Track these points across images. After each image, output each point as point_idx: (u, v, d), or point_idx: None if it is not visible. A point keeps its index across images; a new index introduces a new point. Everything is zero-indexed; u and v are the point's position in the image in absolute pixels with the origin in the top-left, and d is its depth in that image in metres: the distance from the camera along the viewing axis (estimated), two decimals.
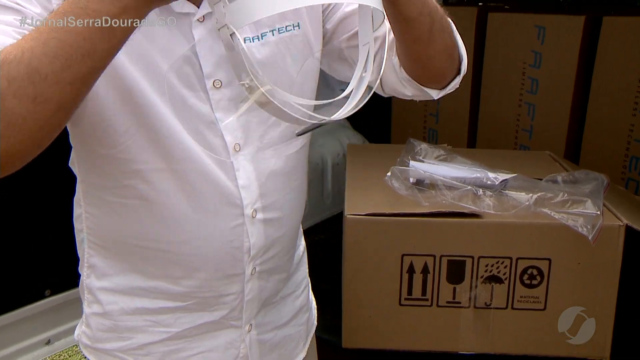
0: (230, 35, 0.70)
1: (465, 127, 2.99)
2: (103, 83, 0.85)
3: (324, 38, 1.08)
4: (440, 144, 2.28)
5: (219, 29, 0.71)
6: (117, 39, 0.68)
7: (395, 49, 1.02)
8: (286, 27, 1.01)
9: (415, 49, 0.96)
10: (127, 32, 0.69)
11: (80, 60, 0.65)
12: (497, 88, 2.83)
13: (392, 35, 1.01)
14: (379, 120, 3.20)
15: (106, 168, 0.96)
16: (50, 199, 1.89)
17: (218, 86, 0.94)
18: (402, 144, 1.91)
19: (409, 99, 1.08)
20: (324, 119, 0.76)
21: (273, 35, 0.99)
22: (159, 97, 0.90)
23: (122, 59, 0.86)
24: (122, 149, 0.92)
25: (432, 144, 1.92)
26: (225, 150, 0.98)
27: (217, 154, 0.97)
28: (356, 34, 1.04)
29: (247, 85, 0.71)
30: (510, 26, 2.73)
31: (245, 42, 0.94)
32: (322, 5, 1.07)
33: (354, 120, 3.16)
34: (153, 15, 0.88)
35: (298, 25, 1.02)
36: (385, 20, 1.01)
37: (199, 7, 0.91)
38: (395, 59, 1.02)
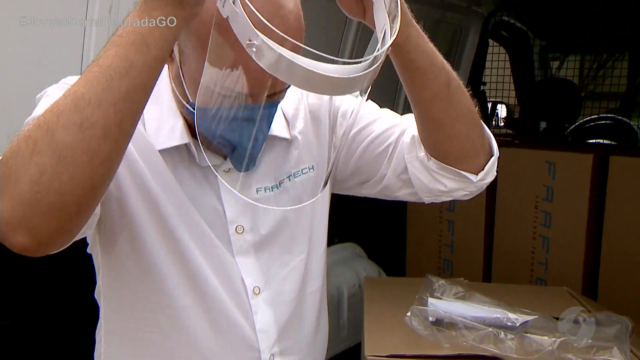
0: (232, 2, 0.71)
1: (480, 258, 2.96)
2: (143, 216, 0.91)
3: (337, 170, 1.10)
4: (455, 275, 2.26)
5: (223, 6, 0.73)
6: (151, 54, 0.71)
7: (417, 142, 1.01)
8: (302, 170, 1.05)
9: (437, 108, 0.94)
10: (160, 46, 0.72)
11: (119, 79, 0.69)
12: (510, 220, 2.84)
13: (414, 130, 1.02)
14: (394, 250, 3.20)
15: (131, 298, 0.97)
16: (71, 334, 1.86)
17: (240, 232, 0.98)
18: (418, 277, 1.88)
19: (450, 198, 1.04)
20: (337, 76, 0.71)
21: (289, 180, 1.03)
22: (189, 238, 0.94)
23: (162, 198, 0.91)
24: (149, 281, 0.94)
25: (447, 276, 1.90)
26: (245, 293, 0.99)
27: (237, 296, 0.98)
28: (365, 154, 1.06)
29: (254, 49, 0.70)
30: (521, 160, 2.79)
31: (265, 192, 1.00)
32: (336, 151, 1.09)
33: (369, 250, 3.16)
34: (181, 169, 0.94)
35: (312, 168, 1.06)
36: (410, 125, 1.03)
37: (225, 159, 0.96)
38: (422, 153, 1.01)
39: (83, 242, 0.97)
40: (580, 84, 4.50)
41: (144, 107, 0.74)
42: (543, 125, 3.86)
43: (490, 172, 1.02)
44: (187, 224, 0.94)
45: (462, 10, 3.14)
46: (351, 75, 0.73)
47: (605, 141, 3.40)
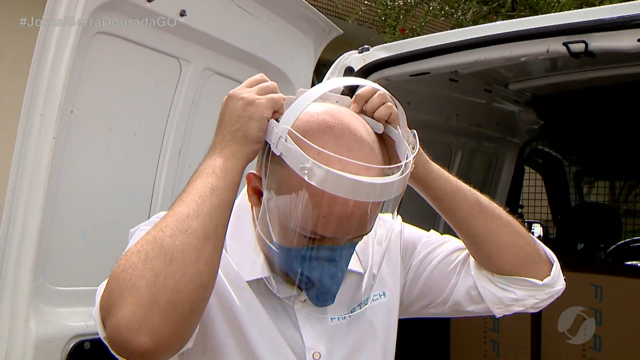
0: (285, 140, 0.82)
1: None
2: (227, 339, 0.92)
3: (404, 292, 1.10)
4: None
5: (277, 146, 0.83)
6: (228, 179, 0.83)
7: (478, 265, 1.04)
8: (372, 297, 1.04)
9: (475, 224, 1.00)
10: (233, 173, 0.83)
11: (209, 197, 0.80)
12: (558, 341, 2.65)
13: (466, 254, 1.06)
14: None
15: None
16: None
17: (317, 358, 0.96)
18: None
19: (522, 308, 1.03)
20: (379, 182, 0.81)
21: (360, 308, 1.02)
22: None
23: (248, 324, 0.93)
24: None
25: None
26: None
27: None
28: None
29: (306, 172, 0.79)
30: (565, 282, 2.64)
31: (339, 320, 1.00)
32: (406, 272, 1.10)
33: None
34: (261, 299, 0.95)
35: (384, 294, 1.05)
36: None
37: (302, 290, 0.95)
38: (486, 272, 1.03)
39: None
40: (612, 202, 4.38)
41: (229, 219, 0.83)
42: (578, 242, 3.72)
43: (557, 279, 1.03)
44: (271, 349, 0.94)
45: (497, 140, 3.16)
46: (388, 181, 0.82)
47: None
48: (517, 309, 1.04)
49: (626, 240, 3.68)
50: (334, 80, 0.93)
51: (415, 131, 0.94)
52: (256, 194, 0.93)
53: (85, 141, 1.50)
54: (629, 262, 3.51)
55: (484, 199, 1.02)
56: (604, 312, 2.50)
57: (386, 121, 0.91)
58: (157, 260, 0.74)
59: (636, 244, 3.66)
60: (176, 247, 0.75)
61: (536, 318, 2.67)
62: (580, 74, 2.55)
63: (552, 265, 1.03)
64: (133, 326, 0.71)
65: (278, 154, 0.83)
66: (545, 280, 1.01)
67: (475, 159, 3.06)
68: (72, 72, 1.38)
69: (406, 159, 0.87)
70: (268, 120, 0.86)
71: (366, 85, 0.92)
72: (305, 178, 0.79)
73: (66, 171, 1.46)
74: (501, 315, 1.06)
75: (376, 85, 0.92)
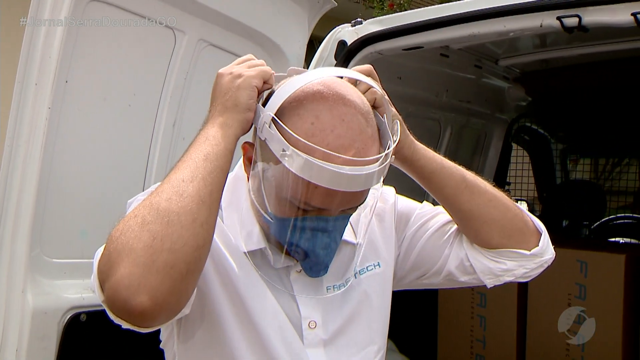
0: (269, 126, 0.85)
1: (513, 354, 2.83)
2: (225, 307, 0.94)
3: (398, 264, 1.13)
4: None
5: (261, 131, 0.87)
6: (220, 147, 0.86)
7: (469, 240, 1.07)
8: (367, 267, 1.07)
9: (462, 200, 1.02)
10: (226, 141, 0.87)
11: (202, 162, 0.83)
12: (543, 316, 2.74)
13: (455, 226, 1.09)
14: (425, 344, 3.08)
15: None
16: None
17: (313, 327, 1.00)
18: None
19: (512, 278, 1.07)
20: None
21: (355, 277, 1.05)
22: (268, 328, 0.96)
23: (245, 292, 0.95)
24: None
25: None
26: None
27: None
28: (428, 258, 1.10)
29: (286, 158, 0.83)
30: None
31: (334, 290, 1.03)
32: (400, 245, 1.13)
33: (400, 344, 3.04)
34: (259, 268, 0.98)
35: (379, 264, 1.08)
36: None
37: (297, 261, 0.98)
38: (476, 246, 1.07)
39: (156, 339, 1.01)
40: (595, 180, 4.47)
41: (224, 185, 0.86)
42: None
43: (545, 248, 1.06)
44: (268, 317, 0.97)
45: (486, 116, 3.21)
46: (367, 172, 0.84)
47: (628, 240, 3.35)
48: (508, 278, 1.07)
49: (610, 217, 3.78)
50: (323, 70, 0.96)
51: (398, 121, 0.96)
52: (251, 164, 0.95)
53: (80, 112, 1.50)
54: (612, 239, 3.61)
55: (469, 175, 1.04)
56: (588, 287, 2.58)
57: (373, 107, 0.93)
58: (154, 223, 0.76)
59: (619, 221, 3.76)
60: (172, 210, 0.77)
61: (522, 293, 2.75)
62: (570, 50, 2.59)
63: (541, 235, 1.07)
64: (132, 285, 0.73)
65: (263, 138, 0.87)
66: (534, 250, 1.04)
67: (464, 135, 3.10)
68: (67, 40, 1.38)
69: (387, 148, 0.90)
70: (258, 90, 0.90)
71: (353, 77, 0.94)
72: (286, 165, 0.83)
73: (61, 142, 1.47)
74: (492, 285, 1.09)
75: (362, 77, 0.94)
